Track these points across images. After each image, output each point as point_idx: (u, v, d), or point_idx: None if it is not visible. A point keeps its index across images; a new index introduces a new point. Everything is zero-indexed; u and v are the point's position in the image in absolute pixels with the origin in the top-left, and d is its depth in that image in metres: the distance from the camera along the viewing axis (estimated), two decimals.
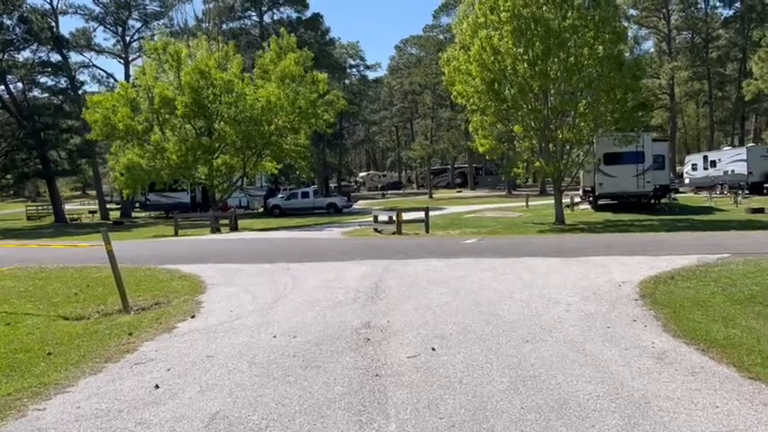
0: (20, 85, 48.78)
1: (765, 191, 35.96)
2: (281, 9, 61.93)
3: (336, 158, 71.85)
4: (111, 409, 4.69)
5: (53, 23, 49.81)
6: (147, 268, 13.28)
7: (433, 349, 5.85)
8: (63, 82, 50.80)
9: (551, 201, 36.89)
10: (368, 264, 12.30)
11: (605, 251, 12.91)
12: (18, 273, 13.65)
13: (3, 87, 46.64)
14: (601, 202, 31.13)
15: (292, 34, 33.17)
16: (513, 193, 56.74)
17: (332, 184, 71.94)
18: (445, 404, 4.43)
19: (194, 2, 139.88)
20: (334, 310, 7.93)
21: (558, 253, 12.80)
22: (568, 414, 4.19)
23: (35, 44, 47.48)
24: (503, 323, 6.80)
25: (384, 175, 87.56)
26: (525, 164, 26.32)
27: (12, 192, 65.27)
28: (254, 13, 61.84)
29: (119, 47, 56.82)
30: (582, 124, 24.00)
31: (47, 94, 51.29)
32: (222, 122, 29.87)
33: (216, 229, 28.61)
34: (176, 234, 27.67)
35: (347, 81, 73.57)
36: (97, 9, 54.49)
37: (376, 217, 25.06)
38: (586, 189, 33.02)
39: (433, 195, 58.81)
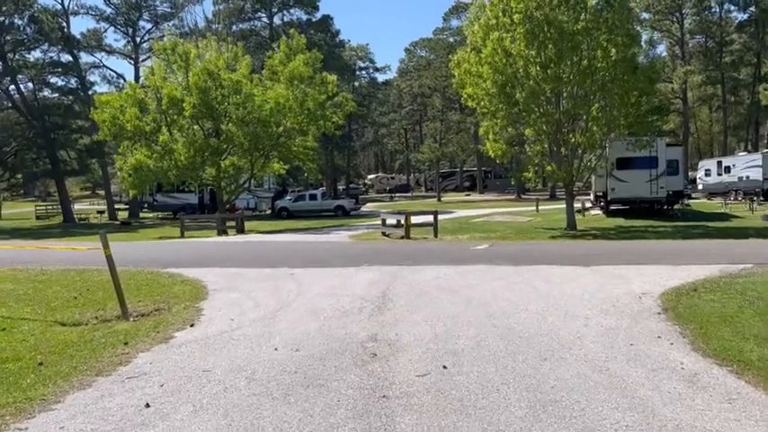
0: (30, 84, 48.84)
1: None
2: (291, 11, 61.75)
3: (345, 161, 71.55)
4: (95, 430, 4.34)
5: (64, 24, 49.80)
6: (150, 272, 12.96)
7: (445, 367, 5.46)
8: (73, 82, 50.82)
9: (561, 205, 36.39)
10: (375, 270, 11.92)
11: (621, 259, 12.48)
12: (19, 275, 13.38)
13: (13, 87, 46.71)
14: (612, 207, 30.60)
15: (302, 35, 32.91)
16: (523, 197, 56.20)
17: (340, 187, 71.64)
18: None
19: (204, 3, 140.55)
20: (339, 320, 7.56)
21: (573, 261, 12.37)
22: None
23: (46, 44, 47.55)
24: (518, 338, 6.40)
25: (392, 178, 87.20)
26: (536, 168, 25.88)
27: (22, 191, 65.41)
28: (263, 15, 61.69)
29: (129, 48, 56.77)
30: (594, 128, 23.53)
31: (57, 94, 51.29)
32: (230, 123, 29.62)
33: (222, 231, 28.33)
34: (182, 236, 27.42)
35: (356, 83, 73.31)
36: (108, 10, 54.51)
37: (384, 220, 24.69)
38: (598, 194, 32.48)
39: (442, 198, 58.36)
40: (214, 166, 30.25)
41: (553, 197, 52.43)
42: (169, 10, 55.56)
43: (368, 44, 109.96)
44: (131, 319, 8.64)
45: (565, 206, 25.32)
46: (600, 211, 32.30)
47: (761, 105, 54.43)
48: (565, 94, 23.59)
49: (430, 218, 22.97)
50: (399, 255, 14.93)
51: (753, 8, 59.59)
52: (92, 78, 56.58)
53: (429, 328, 6.97)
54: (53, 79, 50.52)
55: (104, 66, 58.62)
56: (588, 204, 33.61)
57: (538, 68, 22.42)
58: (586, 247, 16.74)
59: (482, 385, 4.96)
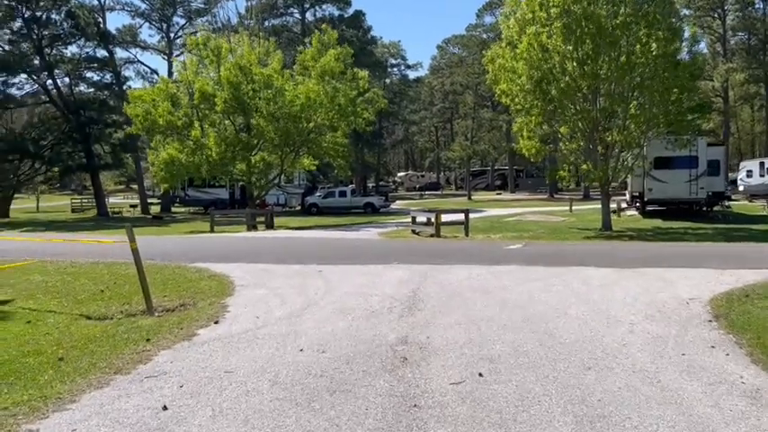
0: (66, 79, 49.59)
1: None
2: (324, 6, 61.68)
3: (375, 158, 71.28)
4: None
5: (100, 19, 50.47)
6: (177, 266, 12.84)
7: (481, 375, 5.09)
8: (108, 77, 51.43)
9: (595, 205, 35.53)
10: (405, 268, 11.57)
11: (663, 262, 11.91)
12: (48, 266, 13.39)
13: (50, 81, 47.46)
14: (649, 208, 29.71)
15: (334, 31, 32.69)
16: (555, 196, 55.18)
17: (370, 184, 71.41)
18: None
19: None
20: (367, 320, 7.24)
21: (612, 263, 11.84)
22: None
23: (82, 39, 48.16)
24: (559, 345, 5.99)
25: (422, 176, 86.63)
26: (571, 167, 25.21)
27: (58, 184, 66.64)
28: (296, 10, 61.73)
29: (163, 43, 57.42)
30: (632, 126, 22.78)
31: (92, 89, 51.98)
32: (261, 118, 29.56)
33: (252, 227, 28.28)
34: (212, 230, 27.45)
35: (388, 80, 72.94)
36: (143, 6, 55.18)
37: (414, 218, 24.31)
38: (634, 194, 31.59)
39: (472, 197, 57.66)
40: (244, 162, 30.23)
41: (587, 197, 51.35)
42: (203, 6, 55.99)
43: (399, 41, 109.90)
44: (156, 314, 8.47)
45: (599, 206, 24.63)
46: (636, 212, 31.42)
47: None
48: (602, 91, 22.91)
49: (460, 216, 22.51)
50: (430, 253, 14.57)
51: None
52: (126, 74, 57.26)
53: (462, 331, 6.59)
54: (89, 74, 51.19)
55: (139, 61, 59.46)
56: (624, 205, 32.71)
57: (575, 64, 21.78)
58: (624, 249, 16.13)
59: (521, 396, 4.58)
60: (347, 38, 46.62)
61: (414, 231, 22.95)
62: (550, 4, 21.39)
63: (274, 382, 5.02)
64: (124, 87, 49.46)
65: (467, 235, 20.92)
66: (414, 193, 72.01)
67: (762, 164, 41.19)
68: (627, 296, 8.36)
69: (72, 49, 49.18)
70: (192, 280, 11.10)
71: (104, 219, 43.53)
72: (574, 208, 36.01)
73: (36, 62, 46.17)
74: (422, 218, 23.93)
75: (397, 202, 52.29)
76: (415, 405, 4.43)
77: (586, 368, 5.26)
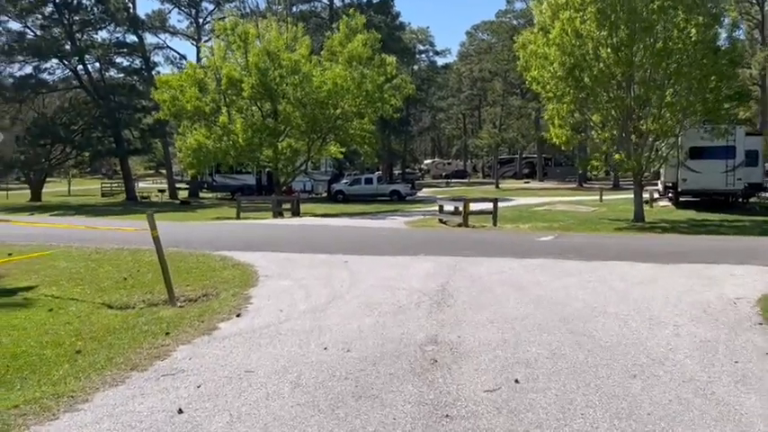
0: (97, 64, 50.02)
1: None
2: None
3: (401, 145, 70.75)
4: None
5: (130, 4, 50.66)
6: (202, 254, 12.67)
7: (517, 381, 4.73)
8: (138, 62, 51.75)
9: (626, 195, 34.70)
10: (433, 260, 11.22)
11: (703, 257, 11.35)
12: (73, 252, 13.35)
13: (81, 67, 47.89)
14: (682, 198, 28.86)
15: (362, 16, 32.25)
16: (585, 185, 54.14)
17: (396, 171, 70.99)
18: None
19: None
20: (395, 316, 6.92)
21: (649, 257, 11.32)
22: None
23: (112, 25, 48.50)
24: (600, 348, 5.60)
25: (449, 164, 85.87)
26: (603, 156, 24.55)
27: (89, 168, 67.53)
28: None
29: (192, 29, 57.52)
30: (668, 115, 22.02)
31: (122, 75, 52.36)
32: (288, 104, 29.35)
33: (278, 214, 28.19)
34: (238, 217, 27.40)
35: (416, 67, 72.16)
36: None
37: (441, 207, 23.91)
38: (667, 185, 30.75)
39: (500, 186, 56.88)
40: (271, 148, 30.11)
41: (617, 186, 50.25)
42: None
43: (428, 27, 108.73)
44: (178, 305, 8.29)
45: (630, 196, 23.97)
46: (669, 203, 30.58)
47: None
48: (636, 78, 22.18)
49: (488, 205, 22.07)
50: (458, 244, 14.19)
51: None
52: (156, 59, 57.50)
53: (496, 330, 6.23)
54: (119, 59, 51.61)
55: (168, 47, 59.61)
56: (656, 195, 31.84)
57: (609, 51, 21.12)
58: (659, 242, 15.55)
59: (562, 407, 4.22)
60: (375, 23, 46.08)
61: (441, 220, 22.58)
62: None
63: (296, 385, 4.73)
64: (153, 73, 49.77)
65: (495, 225, 20.48)
66: (440, 180, 71.41)
67: None
68: (669, 294, 7.90)
69: (102, 35, 49.65)
70: (215, 269, 10.91)
71: (133, 203, 43.95)
72: (604, 198, 35.22)
73: (67, 47, 46.62)
74: (449, 207, 23.53)
75: (424, 189, 51.84)
76: (446, 415, 4.10)
77: (631, 376, 4.87)
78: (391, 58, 31.28)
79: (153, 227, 8.64)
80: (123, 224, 21.04)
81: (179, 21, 68.79)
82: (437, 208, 24.53)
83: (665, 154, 23.89)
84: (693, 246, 14.23)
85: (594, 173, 33.05)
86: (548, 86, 22.55)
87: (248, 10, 50.68)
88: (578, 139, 25.13)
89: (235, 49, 30.43)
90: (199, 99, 29.61)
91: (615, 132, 22.87)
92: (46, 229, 17.01)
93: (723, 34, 22.93)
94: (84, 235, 15.52)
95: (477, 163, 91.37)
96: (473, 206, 21.51)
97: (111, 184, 60.23)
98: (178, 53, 59.15)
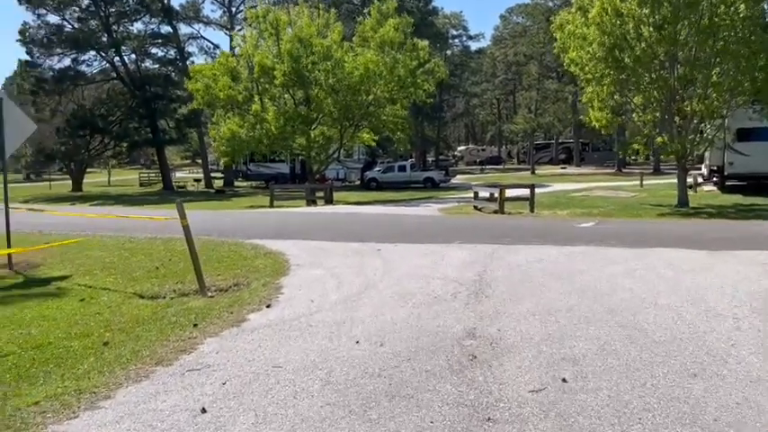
0: (133, 56, 50.57)
1: None
2: None
3: (435, 132, 70.00)
4: None
5: None
6: (234, 242, 12.55)
7: (564, 380, 4.36)
8: (172, 53, 52.21)
9: (667, 180, 33.60)
10: (469, 248, 10.83)
11: (756, 243, 10.71)
12: (108, 242, 13.38)
13: (117, 58, 48.49)
14: (728, 183, 27.72)
15: (393, 0, 31.73)
16: (623, 171, 52.72)
17: (429, 158, 70.35)
18: None
19: None
20: (430, 308, 6.58)
21: (698, 244, 10.72)
22: None
23: (147, 16, 48.91)
24: (653, 343, 5.17)
25: (483, 150, 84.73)
26: (645, 140, 23.67)
27: (128, 159, 68.67)
28: None
29: (225, 18, 57.70)
30: (714, 95, 21.06)
31: (157, 65, 52.88)
32: (320, 91, 29.13)
33: (311, 202, 28.12)
34: (272, 205, 27.42)
35: (449, 52, 71.13)
36: None
37: (476, 193, 23.44)
38: (712, 168, 29.56)
39: (536, 172, 55.85)
40: (304, 136, 30.00)
41: (657, 171, 48.80)
42: None
43: (461, 11, 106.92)
44: (209, 294, 8.12)
45: (671, 181, 23.09)
46: (714, 187, 29.43)
47: None
48: (680, 58, 21.27)
49: (524, 191, 21.53)
50: (494, 231, 13.75)
51: None
52: (190, 49, 57.97)
53: (538, 323, 5.85)
54: (154, 50, 52.09)
55: (202, 37, 59.91)
56: (700, 179, 30.70)
57: (651, 29, 20.25)
58: (707, 228, 14.81)
59: (617, 411, 3.83)
60: (407, 8, 45.47)
61: (476, 207, 22.12)
62: None
63: (326, 382, 4.45)
64: (187, 63, 50.11)
65: (532, 211, 19.94)
66: (474, 167, 70.54)
67: None
68: (723, 284, 7.38)
69: (137, 26, 50.11)
70: (247, 258, 10.74)
71: (169, 193, 44.46)
72: (644, 183, 34.16)
73: (104, 39, 47.20)
74: (484, 193, 23.06)
75: (458, 176, 51.26)
76: (488, 419, 3.76)
77: (691, 375, 4.44)
78: (424, 43, 30.77)
79: (182, 216, 8.47)
80: (155, 213, 21.14)
81: (212, 10, 69.26)
82: (472, 195, 24.07)
83: (710, 136, 22.93)
84: (743, 231, 13.53)
85: (634, 157, 32.15)
86: (586, 68, 21.83)
87: None
88: (618, 122, 24.28)
89: (266, 36, 30.33)
90: (231, 88, 29.65)
91: (658, 114, 22.03)
92: (79, 219, 17.15)
93: None
94: (118, 223, 15.57)
95: (511, 149, 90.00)
96: (509, 192, 21.00)
97: (148, 173, 61.14)
98: (212, 43, 59.70)
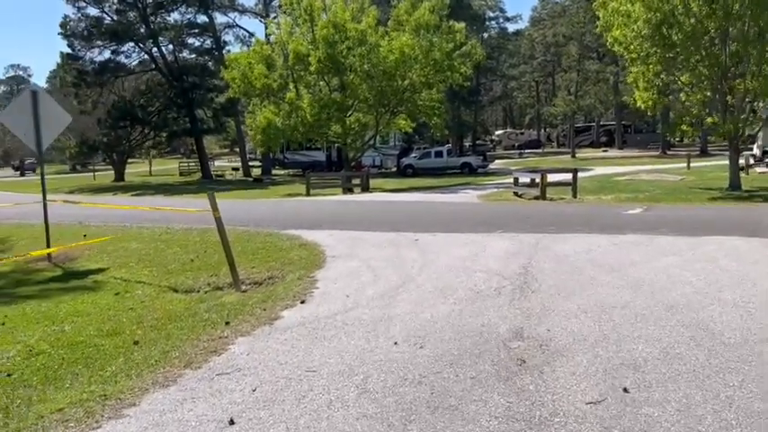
0: (170, 46, 51.02)
1: None
2: None
3: (472, 116, 68.87)
4: None
5: None
6: (269, 233, 12.35)
7: (626, 390, 3.93)
8: (209, 42, 52.49)
9: (715, 162, 32.25)
10: (511, 238, 10.37)
11: None
12: (144, 233, 13.35)
13: (155, 49, 48.98)
14: None
15: None
16: (668, 153, 50.98)
17: (466, 143, 69.33)
18: None
19: None
20: (472, 304, 6.20)
21: (759, 231, 10.05)
22: None
23: (183, 6, 49.20)
24: (722, 346, 4.69)
25: (522, 133, 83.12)
26: (694, 120, 22.64)
27: (168, 148, 69.64)
28: None
29: (260, 6, 57.67)
30: None
31: (194, 55, 53.26)
32: (355, 77, 28.76)
33: (348, 189, 27.88)
34: (308, 193, 27.27)
35: (485, 34, 69.73)
36: None
37: (516, 179, 22.79)
38: (766, 149, 28.30)
39: (576, 155, 54.46)
40: (339, 123, 29.75)
41: (704, 152, 47.02)
42: None
43: None
44: (243, 288, 7.91)
45: (719, 162, 22.05)
46: (767, 169, 28.13)
47: None
48: (733, 33, 20.15)
49: (566, 176, 20.85)
50: (537, 219, 13.22)
51: None
52: (226, 38, 58.26)
53: (591, 322, 5.41)
54: (190, 40, 52.44)
55: (237, 25, 59.83)
56: (751, 161, 29.36)
57: (701, 3, 19.24)
58: (765, 212, 14.00)
59: (689, 428, 3.41)
60: None
61: (516, 193, 21.51)
62: None
63: (363, 390, 4.12)
64: (224, 52, 50.29)
65: (575, 197, 19.26)
66: (512, 151, 69.22)
67: None
68: None
69: (174, 16, 50.44)
70: (282, 249, 10.51)
71: (208, 182, 44.84)
72: (691, 165, 32.87)
73: (142, 30, 47.69)
74: (525, 178, 22.41)
75: (496, 161, 50.28)
76: None
77: None
78: (460, 25, 30.08)
79: (214, 208, 8.26)
80: (193, 203, 21.17)
81: None
82: (511, 180, 23.45)
83: (765, 115, 21.79)
84: None
85: (679, 139, 30.89)
86: (631, 47, 20.95)
87: None
88: (665, 102, 23.29)
89: (301, 23, 30.09)
90: (266, 76, 29.55)
91: (708, 93, 21.00)
92: (115, 211, 17.22)
93: None
94: (154, 215, 15.57)
95: (551, 132, 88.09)
96: (550, 177, 20.33)
97: (188, 163, 61.84)
98: (247, 31, 59.18)
